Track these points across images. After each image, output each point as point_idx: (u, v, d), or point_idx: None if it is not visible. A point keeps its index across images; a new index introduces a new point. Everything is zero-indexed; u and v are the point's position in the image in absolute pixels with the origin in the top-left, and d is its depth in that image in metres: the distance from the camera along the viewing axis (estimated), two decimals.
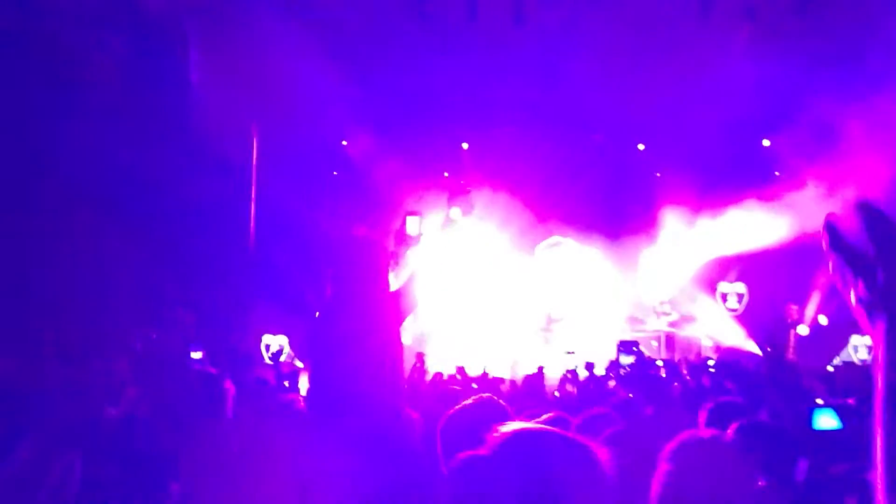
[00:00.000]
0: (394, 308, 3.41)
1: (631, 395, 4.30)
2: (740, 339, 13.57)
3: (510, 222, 14.30)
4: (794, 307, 12.77)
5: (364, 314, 3.33)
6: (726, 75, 11.42)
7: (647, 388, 4.48)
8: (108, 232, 9.27)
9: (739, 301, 14.58)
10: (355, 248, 3.55)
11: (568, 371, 9.87)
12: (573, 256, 14.88)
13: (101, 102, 9.74)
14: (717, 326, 14.10)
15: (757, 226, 13.28)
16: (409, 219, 13.08)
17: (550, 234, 14.96)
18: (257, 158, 13.13)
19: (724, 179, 13.30)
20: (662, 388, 4.41)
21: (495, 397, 2.71)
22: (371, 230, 12.49)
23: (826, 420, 4.35)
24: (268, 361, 12.80)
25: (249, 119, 13.06)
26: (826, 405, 5.43)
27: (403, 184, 13.96)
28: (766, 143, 13.82)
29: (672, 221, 14.22)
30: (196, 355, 8.62)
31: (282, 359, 12.61)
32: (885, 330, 1.05)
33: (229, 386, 3.57)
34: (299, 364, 11.51)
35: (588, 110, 13.07)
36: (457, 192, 13.20)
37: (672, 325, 14.33)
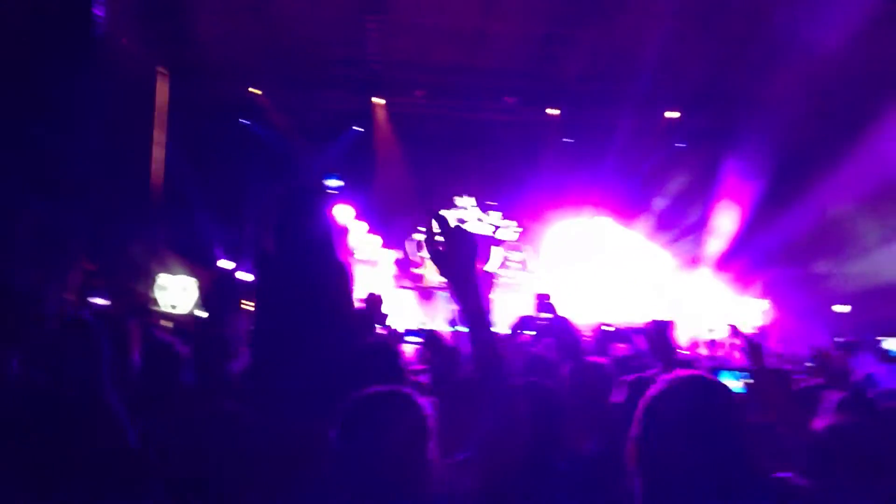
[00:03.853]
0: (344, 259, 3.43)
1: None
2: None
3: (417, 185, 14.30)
4: None
5: (311, 262, 3.28)
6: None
7: (562, 342, 4.62)
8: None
9: None
10: (299, 197, 3.48)
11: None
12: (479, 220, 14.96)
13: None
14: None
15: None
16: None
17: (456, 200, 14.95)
18: (170, 103, 12.65)
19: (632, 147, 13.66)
20: (574, 344, 4.55)
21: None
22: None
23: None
24: (161, 308, 12.18)
25: (156, 60, 12.59)
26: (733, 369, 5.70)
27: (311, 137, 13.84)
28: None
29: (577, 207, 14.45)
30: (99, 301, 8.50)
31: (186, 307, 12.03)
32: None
33: (134, 327, 3.57)
34: (201, 314, 11.19)
35: (506, 73, 13.15)
36: None
37: None
